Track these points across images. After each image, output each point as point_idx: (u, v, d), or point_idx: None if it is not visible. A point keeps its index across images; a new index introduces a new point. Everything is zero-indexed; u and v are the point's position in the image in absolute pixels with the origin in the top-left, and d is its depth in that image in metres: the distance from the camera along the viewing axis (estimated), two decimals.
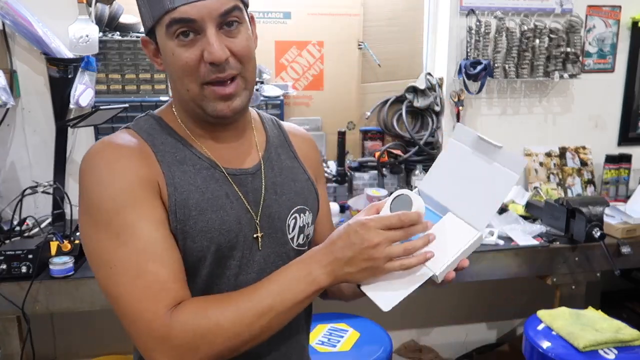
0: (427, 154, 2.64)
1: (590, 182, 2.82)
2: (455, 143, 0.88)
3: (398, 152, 2.60)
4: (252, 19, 0.91)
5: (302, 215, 0.98)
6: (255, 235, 0.91)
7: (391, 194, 0.85)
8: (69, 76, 2.09)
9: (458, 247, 0.82)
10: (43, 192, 2.05)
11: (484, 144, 0.84)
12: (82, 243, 0.86)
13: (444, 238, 0.83)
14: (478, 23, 2.53)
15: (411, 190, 0.86)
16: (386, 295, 0.81)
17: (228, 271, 0.89)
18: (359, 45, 2.58)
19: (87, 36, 2.06)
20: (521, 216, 2.35)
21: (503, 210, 2.44)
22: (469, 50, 2.56)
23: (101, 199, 0.81)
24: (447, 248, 0.82)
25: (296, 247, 0.98)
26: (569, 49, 2.62)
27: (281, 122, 1.09)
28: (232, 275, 0.90)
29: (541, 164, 2.78)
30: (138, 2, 0.86)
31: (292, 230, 0.97)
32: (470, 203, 0.84)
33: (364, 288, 0.82)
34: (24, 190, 2.01)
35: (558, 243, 2.12)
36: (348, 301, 1.08)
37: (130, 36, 2.25)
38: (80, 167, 0.85)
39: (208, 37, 0.81)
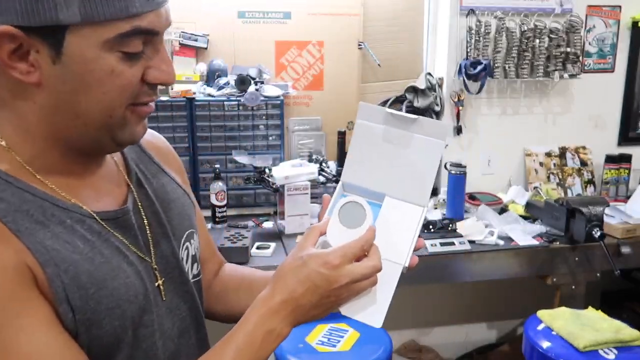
0: None
1: (590, 182, 2.82)
2: (365, 124, 0.78)
3: None
4: None
5: (192, 241, 0.85)
6: (157, 284, 0.74)
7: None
8: None
9: (411, 229, 0.77)
10: None
11: (398, 118, 0.77)
12: None
13: (393, 225, 0.76)
14: (478, 23, 2.53)
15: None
16: (371, 311, 0.74)
17: (150, 345, 0.71)
18: (359, 45, 2.58)
19: None
20: (521, 216, 2.35)
21: (503, 210, 2.44)
22: (469, 50, 2.56)
23: None
24: (401, 235, 0.76)
25: (192, 280, 0.83)
26: (569, 49, 2.62)
27: None
28: (157, 348, 0.72)
29: (541, 164, 2.78)
30: None
31: (187, 263, 0.82)
32: (404, 182, 0.77)
33: (346, 313, 0.74)
34: None
35: (558, 243, 2.12)
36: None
37: None
38: None
39: (162, 53, 0.67)
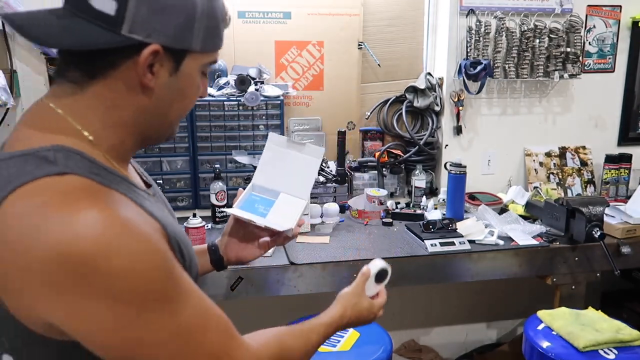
0: (427, 154, 2.64)
1: (590, 182, 2.82)
2: (272, 146, 1.22)
3: (398, 152, 2.60)
4: None
5: None
6: None
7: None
8: None
9: (296, 212, 1.19)
10: None
11: (293, 143, 1.21)
12: (116, 337, 0.67)
13: (285, 209, 1.19)
14: (478, 23, 2.53)
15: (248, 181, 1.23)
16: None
17: None
18: (359, 45, 2.58)
19: None
20: (521, 216, 2.35)
21: (503, 210, 2.44)
22: (469, 50, 2.56)
23: (150, 273, 0.67)
24: (289, 215, 1.18)
25: None
26: (569, 49, 2.62)
27: None
28: None
29: (541, 164, 2.78)
30: (203, 11, 0.76)
31: None
32: (294, 183, 1.20)
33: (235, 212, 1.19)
34: None
35: (558, 243, 2.12)
36: None
37: None
38: (99, 251, 0.63)
39: (207, 79, 0.88)
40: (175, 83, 0.78)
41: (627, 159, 2.73)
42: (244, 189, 1.22)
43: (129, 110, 0.77)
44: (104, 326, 0.65)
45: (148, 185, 0.92)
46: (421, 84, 2.61)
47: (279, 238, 1.18)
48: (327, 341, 1.84)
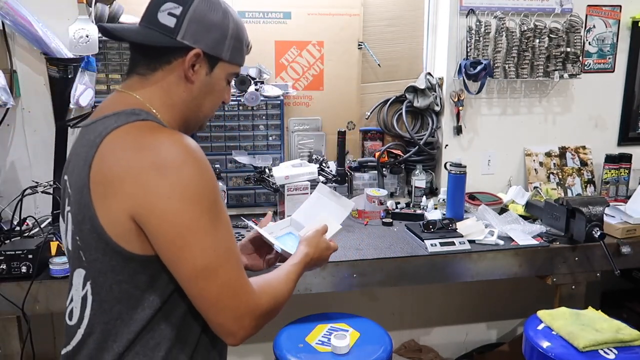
0: (427, 154, 2.64)
1: (590, 182, 2.82)
2: (318, 194, 1.47)
3: (398, 152, 2.60)
4: None
5: None
6: None
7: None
8: (69, 76, 2.09)
9: None
10: (43, 192, 2.05)
11: (332, 194, 1.46)
12: (174, 226, 0.90)
13: None
14: (478, 23, 2.53)
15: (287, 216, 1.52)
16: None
17: None
18: (359, 45, 2.58)
19: (87, 36, 2.06)
20: (521, 216, 2.35)
21: (503, 210, 2.44)
22: (469, 50, 2.56)
23: (207, 187, 0.93)
24: None
25: None
26: (569, 49, 2.62)
27: None
28: None
29: (541, 164, 2.78)
30: (232, 34, 1.06)
31: None
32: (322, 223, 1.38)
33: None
34: (24, 190, 2.01)
35: (558, 243, 2.12)
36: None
37: None
38: (174, 159, 0.91)
39: (230, 88, 1.15)
40: (209, 81, 1.06)
41: (627, 159, 2.73)
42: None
43: (177, 97, 1.04)
44: (170, 219, 0.89)
45: None
46: (421, 84, 2.61)
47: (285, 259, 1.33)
48: (326, 341, 1.85)
